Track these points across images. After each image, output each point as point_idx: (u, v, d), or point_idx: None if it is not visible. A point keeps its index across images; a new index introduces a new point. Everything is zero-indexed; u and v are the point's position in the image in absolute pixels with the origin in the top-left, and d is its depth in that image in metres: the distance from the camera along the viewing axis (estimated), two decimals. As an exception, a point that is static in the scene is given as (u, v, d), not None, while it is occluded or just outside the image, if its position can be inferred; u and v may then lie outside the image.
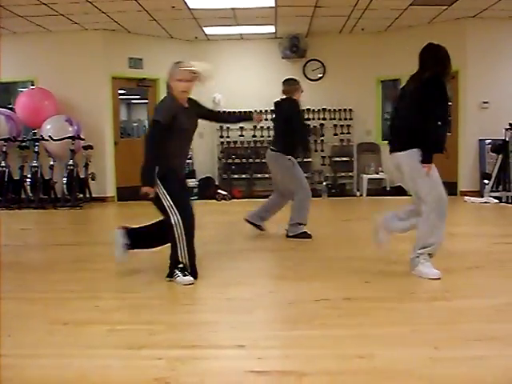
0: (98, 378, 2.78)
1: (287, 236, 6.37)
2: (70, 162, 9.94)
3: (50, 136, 9.79)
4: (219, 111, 4.88)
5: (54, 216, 9.35)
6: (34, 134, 10.31)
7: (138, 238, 4.76)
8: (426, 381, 2.69)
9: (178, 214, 4.38)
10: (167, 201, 4.40)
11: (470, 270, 4.57)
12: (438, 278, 4.36)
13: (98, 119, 10.80)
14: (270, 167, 6.72)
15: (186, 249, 4.40)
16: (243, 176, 11.80)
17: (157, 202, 4.46)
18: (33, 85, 10.84)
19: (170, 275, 4.49)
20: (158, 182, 4.42)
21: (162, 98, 4.72)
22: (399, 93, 4.93)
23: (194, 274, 4.49)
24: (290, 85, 6.58)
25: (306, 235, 6.32)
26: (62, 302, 4.09)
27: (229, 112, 4.86)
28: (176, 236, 4.38)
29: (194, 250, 4.50)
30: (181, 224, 4.36)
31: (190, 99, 4.66)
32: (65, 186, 9.92)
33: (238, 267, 5.11)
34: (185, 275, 4.41)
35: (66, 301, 4.12)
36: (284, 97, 6.57)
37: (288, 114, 6.46)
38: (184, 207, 4.46)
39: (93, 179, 10.47)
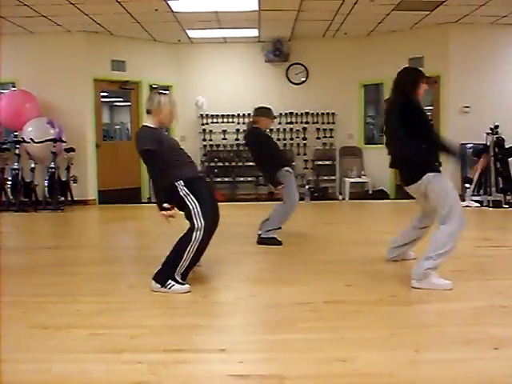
0: (78, 383, 2.76)
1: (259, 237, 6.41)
2: (52, 165, 9.88)
3: (31, 138, 9.71)
4: None
5: (35, 219, 9.27)
6: (15, 136, 10.22)
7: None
8: (407, 383, 2.71)
9: (202, 220, 4.38)
10: (195, 206, 4.41)
11: (451, 274, 4.60)
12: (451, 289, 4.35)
13: (80, 122, 10.72)
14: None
15: (192, 256, 4.37)
16: (226, 179, 11.78)
17: (184, 207, 4.46)
18: (14, 86, 10.74)
19: (161, 283, 4.37)
20: (186, 188, 4.44)
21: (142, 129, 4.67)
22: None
23: (184, 278, 4.45)
24: (255, 115, 6.60)
25: (276, 241, 6.33)
26: (43, 306, 4.06)
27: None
28: (192, 241, 4.35)
29: (198, 259, 4.51)
30: (202, 230, 4.37)
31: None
32: (46, 188, 9.85)
33: (220, 271, 5.11)
34: (181, 284, 4.36)
35: (46, 305, 4.09)
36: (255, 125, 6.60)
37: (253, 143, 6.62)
38: (208, 214, 4.45)
39: (74, 182, 10.38)
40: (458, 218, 4.35)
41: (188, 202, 4.43)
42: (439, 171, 4.44)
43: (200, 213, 4.40)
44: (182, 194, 4.44)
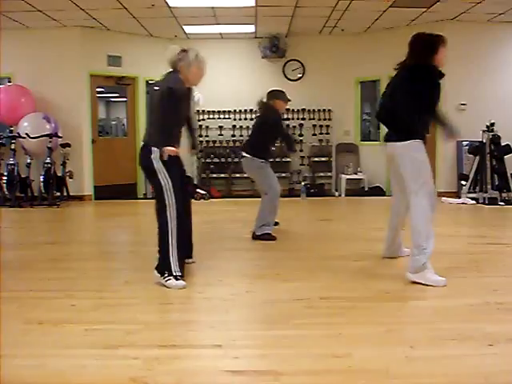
0: (73, 378, 2.76)
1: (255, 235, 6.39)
2: (48, 160, 9.85)
3: (26, 133, 9.69)
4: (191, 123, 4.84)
5: (31, 214, 9.25)
6: (11, 131, 10.19)
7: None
8: (402, 380, 2.71)
9: (173, 197, 4.31)
10: (167, 183, 4.30)
11: (446, 271, 4.61)
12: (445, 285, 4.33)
13: (76, 117, 10.70)
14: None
15: (176, 236, 4.33)
16: (222, 175, 11.78)
17: (153, 179, 4.36)
18: (10, 81, 10.71)
19: (160, 272, 4.39)
20: (161, 162, 4.30)
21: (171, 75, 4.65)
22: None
23: (182, 269, 4.42)
24: (269, 99, 6.42)
25: (270, 237, 6.33)
26: (38, 302, 4.05)
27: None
28: (169, 220, 4.31)
29: (182, 242, 4.48)
30: (174, 207, 4.31)
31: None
32: (42, 184, 9.82)
33: (215, 267, 5.10)
34: (177, 279, 4.35)
35: (41, 300, 4.09)
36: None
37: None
38: (178, 196, 4.37)
39: (70, 177, 10.37)
40: (428, 195, 4.39)
41: (161, 178, 4.31)
42: (419, 142, 4.44)
43: (171, 190, 4.30)
44: (156, 166, 4.30)
